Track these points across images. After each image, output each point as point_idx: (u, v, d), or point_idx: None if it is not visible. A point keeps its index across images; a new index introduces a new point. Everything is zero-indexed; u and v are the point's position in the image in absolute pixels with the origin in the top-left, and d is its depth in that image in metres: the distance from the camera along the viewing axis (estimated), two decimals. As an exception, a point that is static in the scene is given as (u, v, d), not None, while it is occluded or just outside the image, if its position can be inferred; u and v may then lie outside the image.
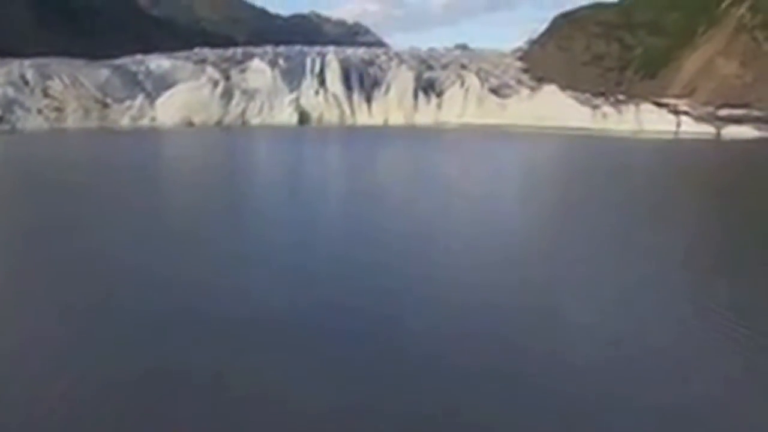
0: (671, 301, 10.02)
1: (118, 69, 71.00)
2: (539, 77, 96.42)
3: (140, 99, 68.81)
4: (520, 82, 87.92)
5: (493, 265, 12.26)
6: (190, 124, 68.56)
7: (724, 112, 74.87)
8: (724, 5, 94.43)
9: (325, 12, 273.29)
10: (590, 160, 37.24)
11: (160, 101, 69.23)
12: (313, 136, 56.17)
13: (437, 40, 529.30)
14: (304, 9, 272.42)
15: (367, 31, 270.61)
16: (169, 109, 68.66)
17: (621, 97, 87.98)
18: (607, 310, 9.67)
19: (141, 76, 71.11)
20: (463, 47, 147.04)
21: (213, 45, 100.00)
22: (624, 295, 10.41)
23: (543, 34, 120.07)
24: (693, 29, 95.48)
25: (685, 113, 68.41)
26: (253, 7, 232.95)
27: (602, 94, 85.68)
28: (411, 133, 59.15)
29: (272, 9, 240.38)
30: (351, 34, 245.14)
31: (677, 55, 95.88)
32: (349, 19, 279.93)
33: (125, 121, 67.73)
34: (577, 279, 11.55)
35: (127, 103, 68.55)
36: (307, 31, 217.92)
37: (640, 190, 24.46)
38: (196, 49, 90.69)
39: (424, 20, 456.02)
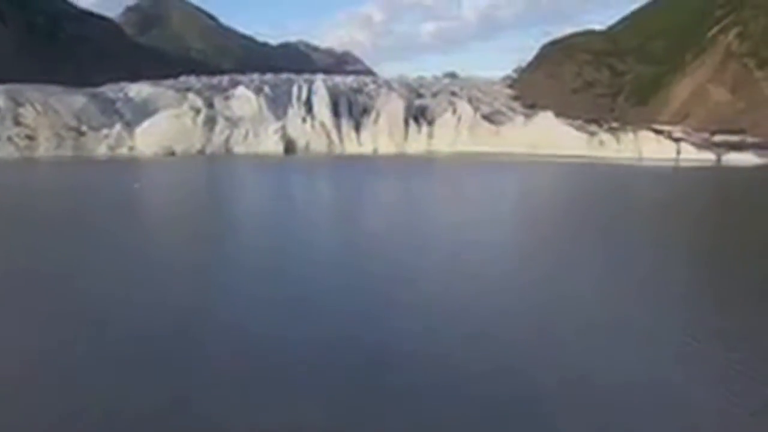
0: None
1: (95, 96, 68.01)
2: (530, 104, 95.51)
3: (118, 127, 65.63)
4: (511, 109, 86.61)
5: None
6: (171, 153, 65.37)
7: (719, 138, 74.02)
8: (711, 33, 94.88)
9: (313, 41, 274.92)
10: (603, 190, 34.48)
11: (139, 129, 66.09)
12: (300, 167, 53.16)
13: (426, 68, 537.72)
14: (293, 38, 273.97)
15: (356, 60, 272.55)
16: (148, 138, 65.49)
17: (614, 124, 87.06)
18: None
19: (119, 104, 68.12)
20: (452, 75, 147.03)
21: (201, 73, 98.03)
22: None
23: (532, 62, 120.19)
24: (681, 56, 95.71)
25: (680, 140, 66.81)
26: (241, 36, 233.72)
27: (595, 121, 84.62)
28: (403, 162, 56.43)
29: (261, 38, 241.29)
30: (340, 63, 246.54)
31: (667, 82, 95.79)
32: (338, 48, 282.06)
33: (102, 150, 64.39)
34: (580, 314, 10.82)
35: (104, 131, 65.32)
36: (295, 59, 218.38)
37: (666, 228, 21.55)
38: (182, 78, 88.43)
39: (413, 49, 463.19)
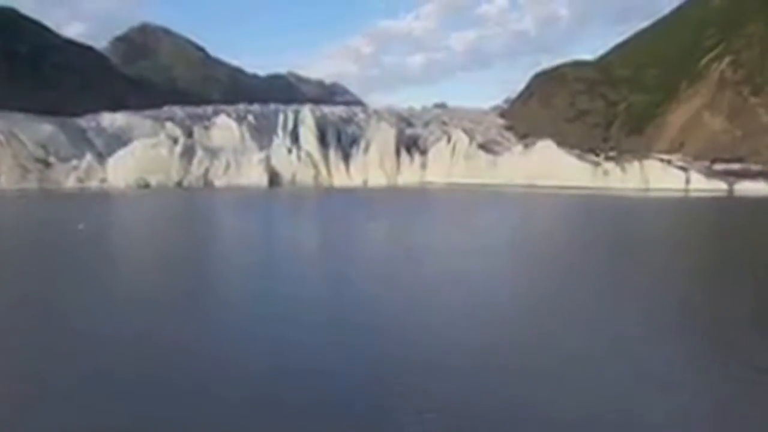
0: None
1: (64, 124, 63.46)
2: (524, 134, 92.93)
3: (89, 157, 61.06)
4: (506, 139, 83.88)
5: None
6: (146, 185, 60.79)
7: (720, 166, 71.72)
8: (704, 61, 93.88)
9: (302, 72, 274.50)
10: (618, 228, 30.39)
11: (111, 160, 61.56)
12: (285, 202, 48.53)
13: (414, 99, 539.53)
14: (282, 69, 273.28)
15: (345, 91, 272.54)
16: (121, 169, 60.93)
17: (611, 153, 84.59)
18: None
19: (91, 133, 63.70)
20: (442, 106, 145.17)
21: (187, 104, 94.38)
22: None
23: (524, 92, 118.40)
24: (675, 84, 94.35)
25: (685, 168, 63.95)
26: (229, 67, 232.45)
27: (591, 151, 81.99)
28: (396, 195, 52.13)
29: (249, 69, 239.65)
30: (329, 94, 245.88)
31: (662, 111, 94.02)
32: (327, 79, 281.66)
33: (70, 183, 59.66)
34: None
35: (73, 162, 60.69)
36: (284, 90, 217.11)
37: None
38: (166, 107, 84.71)
39: (402, 80, 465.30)
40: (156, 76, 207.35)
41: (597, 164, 58.54)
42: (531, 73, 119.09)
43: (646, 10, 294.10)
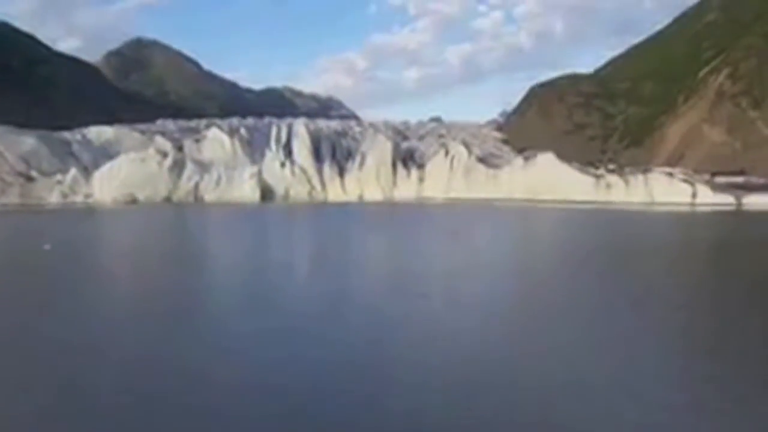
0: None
1: (48, 137, 61.13)
2: (521, 148, 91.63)
3: (73, 172, 58.73)
4: (503, 152, 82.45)
5: None
6: (133, 201, 58.45)
7: (721, 179, 70.36)
8: (701, 74, 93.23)
9: (297, 86, 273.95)
10: (635, 249, 28.34)
11: (97, 175, 59.26)
12: (278, 219, 46.16)
13: (410, 113, 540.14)
14: (277, 83, 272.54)
15: (340, 105, 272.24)
16: (107, 184, 58.60)
17: (611, 166, 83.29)
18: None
19: (76, 146, 61.39)
20: (437, 120, 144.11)
21: (180, 118, 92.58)
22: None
23: (520, 105, 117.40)
24: (672, 97, 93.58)
25: (688, 182, 62.23)
26: (224, 82, 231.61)
27: (591, 164, 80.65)
28: (396, 211, 49.92)
29: (244, 83, 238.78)
30: (324, 108, 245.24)
31: (660, 124, 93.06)
32: (322, 94, 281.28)
33: (54, 198, 57.24)
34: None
35: (57, 176, 58.34)
36: (279, 105, 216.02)
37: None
38: (159, 121, 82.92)
39: (397, 94, 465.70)
40: (149, 90, 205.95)
41: (599, 177, 56.72)
42: (526, 87, 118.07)
43: (643, 24, 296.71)
